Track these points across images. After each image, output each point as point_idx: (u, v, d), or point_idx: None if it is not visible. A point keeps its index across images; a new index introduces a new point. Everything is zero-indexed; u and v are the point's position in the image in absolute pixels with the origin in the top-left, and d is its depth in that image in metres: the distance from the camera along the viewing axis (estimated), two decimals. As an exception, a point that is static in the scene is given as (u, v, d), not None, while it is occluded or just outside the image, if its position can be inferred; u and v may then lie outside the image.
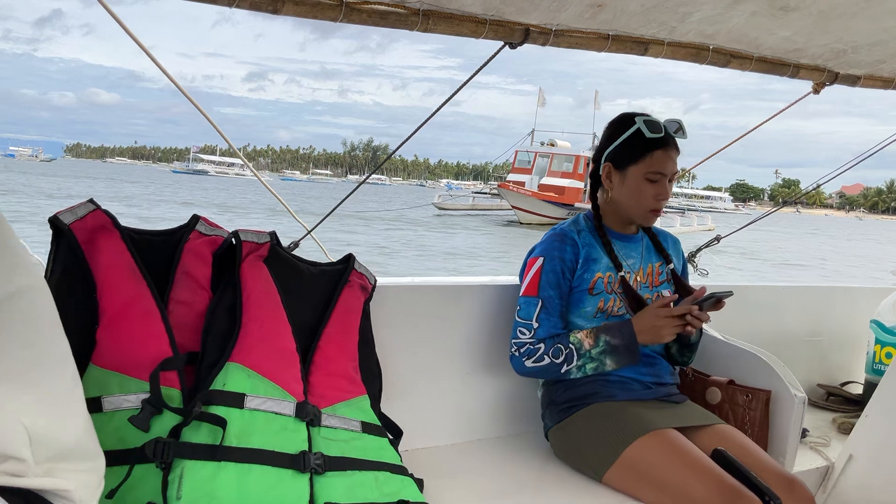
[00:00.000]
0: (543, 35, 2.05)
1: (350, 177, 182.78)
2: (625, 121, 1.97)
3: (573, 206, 30.17)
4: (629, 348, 1.89)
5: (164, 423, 1.42)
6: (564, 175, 32.30)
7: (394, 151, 2.12)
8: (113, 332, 1.46)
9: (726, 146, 2.68)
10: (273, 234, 1.72)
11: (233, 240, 1.66)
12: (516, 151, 35.47)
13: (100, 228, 1.52)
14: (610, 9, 2.02)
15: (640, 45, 2.16)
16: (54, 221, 1.49)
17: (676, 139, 1.96)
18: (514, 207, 30.91)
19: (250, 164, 2.19)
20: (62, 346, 1.13)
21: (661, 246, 2.12)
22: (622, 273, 1.98)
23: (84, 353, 1.43)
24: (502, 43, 2.05)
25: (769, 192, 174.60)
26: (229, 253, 1.65)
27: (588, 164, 32.88)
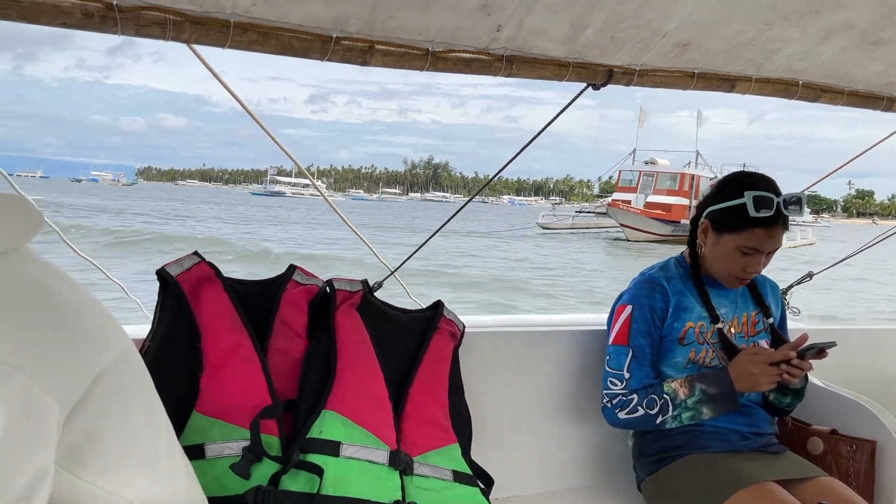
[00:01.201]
0: (627, 75, 2.05)
1: (411, 195, 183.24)
2: (736, 186, 1.90)
3: (679, 222, 31.00)
4: (727, 396, 1.85)
5: (263, 470, 1.47)
6: (670, 192, 33.41)
7: (492, 178, 2.13)
8: (215, 380, 1.52)
9: (845, 164, 2.58)
10: (365, 283, 1.77)
11: (327, 288, 1.72)
12: (619, 171, 36.77)
13: (204, 280, 1.60)
14: (695, 48, 2.00)
15: (727, 83, 2.14)
16: (162, 274, 1.57)
17: (790, 214, 1.85)
18: (622, 225, 32.08)
19: (329, 200, 2.23)
20: (157, 408, 1.16)
21: (759, 294, 2.05)
22: (719, 326, 1.92)
23: (188, 401, 1.50)
24: (585, 84, 2.05)
25: (842, 204, 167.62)
26: (324, 301, 1.70)
27: (692, 181, 32.94)
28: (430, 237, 2.05)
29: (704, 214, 1.95)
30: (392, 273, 1.99)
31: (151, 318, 1.58)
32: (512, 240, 31.65)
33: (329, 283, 1.72)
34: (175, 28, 1.56)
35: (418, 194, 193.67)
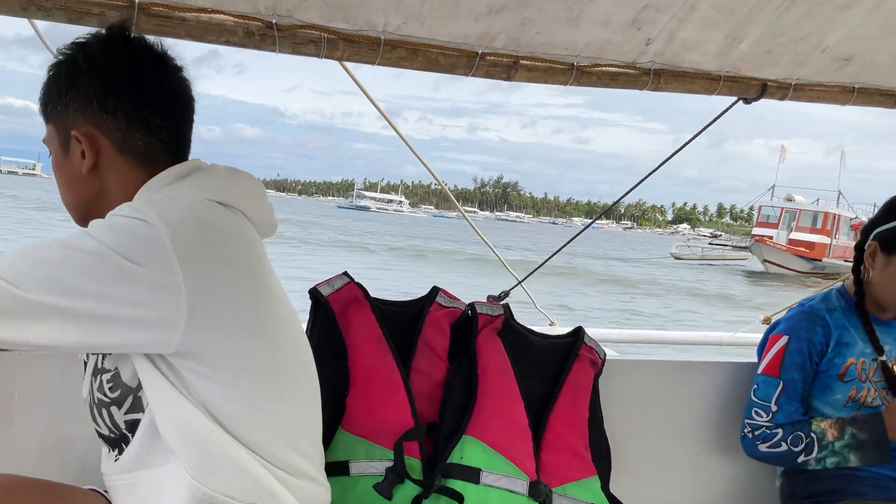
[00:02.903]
0: (781, 90, 1.99)
1: (479, 213, 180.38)
2: None
3: (820, 260, 32.74)
4: (878, 445, 1.77)
5: (405, 492, 1.51)
6: (813, 231, 34.90)
7: (613, 204, 2.13)
8: (361, 399, 1.57)
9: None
10: (507, 307, 1.79)
11: (469, 312, 1.74)
12: (760, 206, 39.01)
13: (353, 301, 1.66)
14: (858, 62, 1.92)
15: (891, 99, 2.05)
16: (314, 293, 1.65)
17: None
18: (765, 261, 33.88)
19: (468, 216, 2.26)
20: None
21: None
22: (882, 358, 1.82)
23: (334, 418, 1.56)
24: (735, 98, 2.00)
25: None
26: (466, 325, 1.73)
27: (835, 221, 34.11)
28: (554, 255, 2.05)
29: (872, 236, 1.85)
30: (519, 283, 1.99)
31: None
32: (661, 268, 32.91)
33: (471, 306, 1.75)
34: (329, 45, 1.60)
35: (489, 213, 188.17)
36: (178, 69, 1.20)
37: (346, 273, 1.68)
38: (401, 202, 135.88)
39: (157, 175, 1.16)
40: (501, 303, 1.82)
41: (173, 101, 1.18)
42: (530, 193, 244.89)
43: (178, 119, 1.19)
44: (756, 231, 37.54)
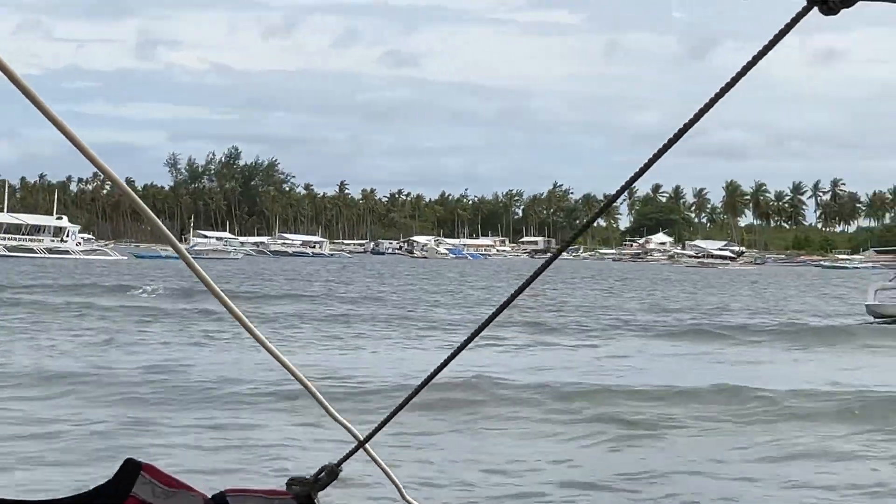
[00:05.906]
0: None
1: (212, 240, 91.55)
2: None
3: None
4: None
5: None
6: None
7: (607, 204, 0.85)
8: None
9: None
10: (303, 500, 1.01)
11: None
12: None
13: None
14: None
15: None
16: None
17: None
18: None
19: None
20: None
21: None
22: None
23: None
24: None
25: None
26: None
27: None
28: (449, 361, 0.94)
29: None
30: (361, 444, 1.07)
31: None
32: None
33: (220, 501, 1.03)
34: None
35: (223, 235, 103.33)
36: None
37: None
38: (62, 230, 76.57)
39: None
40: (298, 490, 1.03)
41: None
42: (307, 186, 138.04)
43: None
44: None
